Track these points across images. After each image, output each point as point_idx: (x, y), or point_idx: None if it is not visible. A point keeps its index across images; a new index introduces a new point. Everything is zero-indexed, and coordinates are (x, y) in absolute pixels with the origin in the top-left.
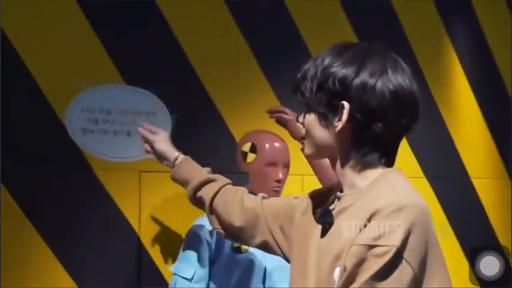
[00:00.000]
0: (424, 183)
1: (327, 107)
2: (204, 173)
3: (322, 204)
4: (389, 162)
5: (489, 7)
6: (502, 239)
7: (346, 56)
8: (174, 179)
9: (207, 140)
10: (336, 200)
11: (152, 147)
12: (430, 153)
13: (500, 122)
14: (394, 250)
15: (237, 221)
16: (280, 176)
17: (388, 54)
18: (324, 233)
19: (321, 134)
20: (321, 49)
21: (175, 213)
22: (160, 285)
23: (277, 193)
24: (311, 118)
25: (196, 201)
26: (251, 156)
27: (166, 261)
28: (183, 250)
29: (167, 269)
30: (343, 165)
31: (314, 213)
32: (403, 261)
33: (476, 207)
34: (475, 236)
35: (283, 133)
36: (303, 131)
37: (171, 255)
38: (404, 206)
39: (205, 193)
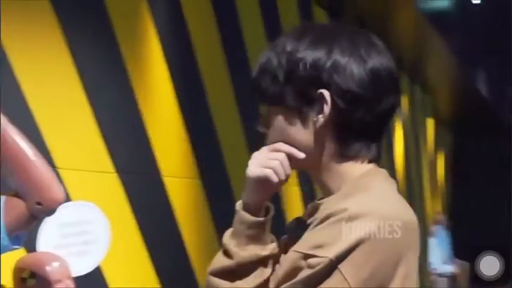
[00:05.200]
0: (114, 178)
1: (302, 99)
2: None
3: None
4: (375, 155)
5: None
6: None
7: (311, 38)
8: None
9: None
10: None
11: None
12: (123, 147)
13: (197, 123)
14: (326, 262)
15: None
16: None
17: (356, 32)
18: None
19: (299, 135)
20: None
21: None
22: None
23: None
24: (279, 120)
25: None
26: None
27: None
28: None
29: None
30: (325, 167)
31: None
32: (339, 275)
33: (165, 205)
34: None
35: None
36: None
37: None
38: (364, 215)
39: None
